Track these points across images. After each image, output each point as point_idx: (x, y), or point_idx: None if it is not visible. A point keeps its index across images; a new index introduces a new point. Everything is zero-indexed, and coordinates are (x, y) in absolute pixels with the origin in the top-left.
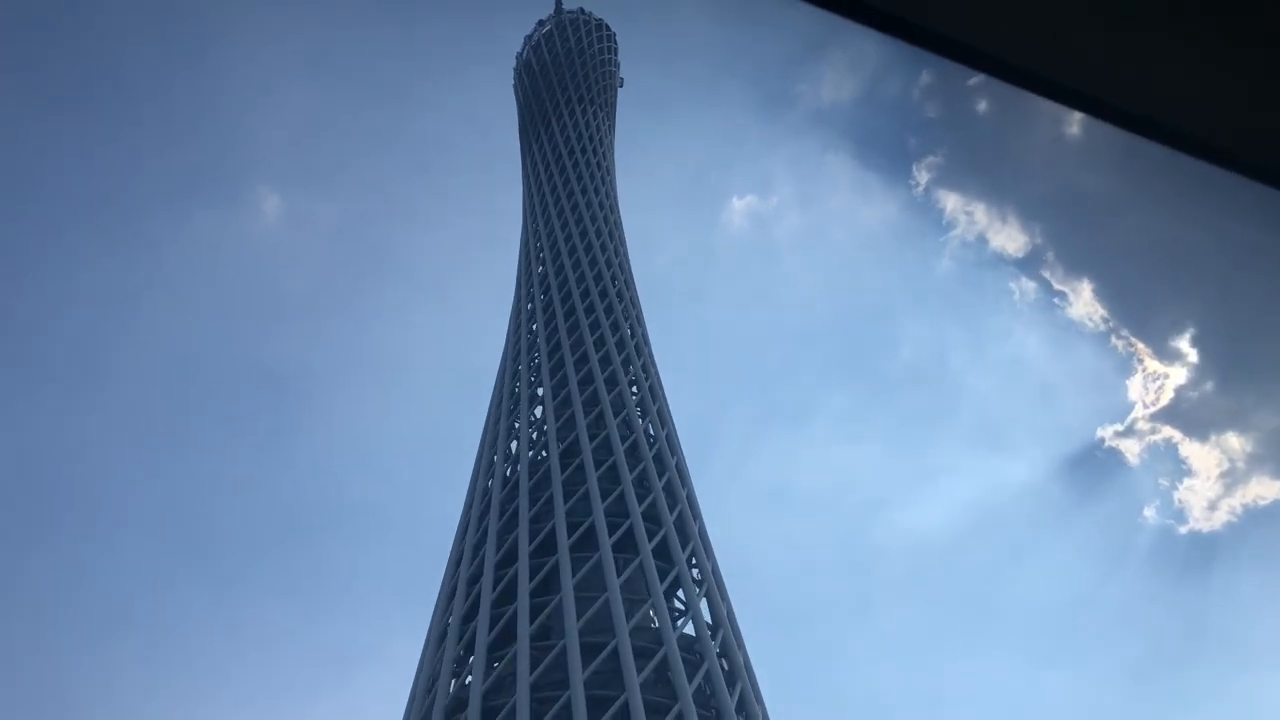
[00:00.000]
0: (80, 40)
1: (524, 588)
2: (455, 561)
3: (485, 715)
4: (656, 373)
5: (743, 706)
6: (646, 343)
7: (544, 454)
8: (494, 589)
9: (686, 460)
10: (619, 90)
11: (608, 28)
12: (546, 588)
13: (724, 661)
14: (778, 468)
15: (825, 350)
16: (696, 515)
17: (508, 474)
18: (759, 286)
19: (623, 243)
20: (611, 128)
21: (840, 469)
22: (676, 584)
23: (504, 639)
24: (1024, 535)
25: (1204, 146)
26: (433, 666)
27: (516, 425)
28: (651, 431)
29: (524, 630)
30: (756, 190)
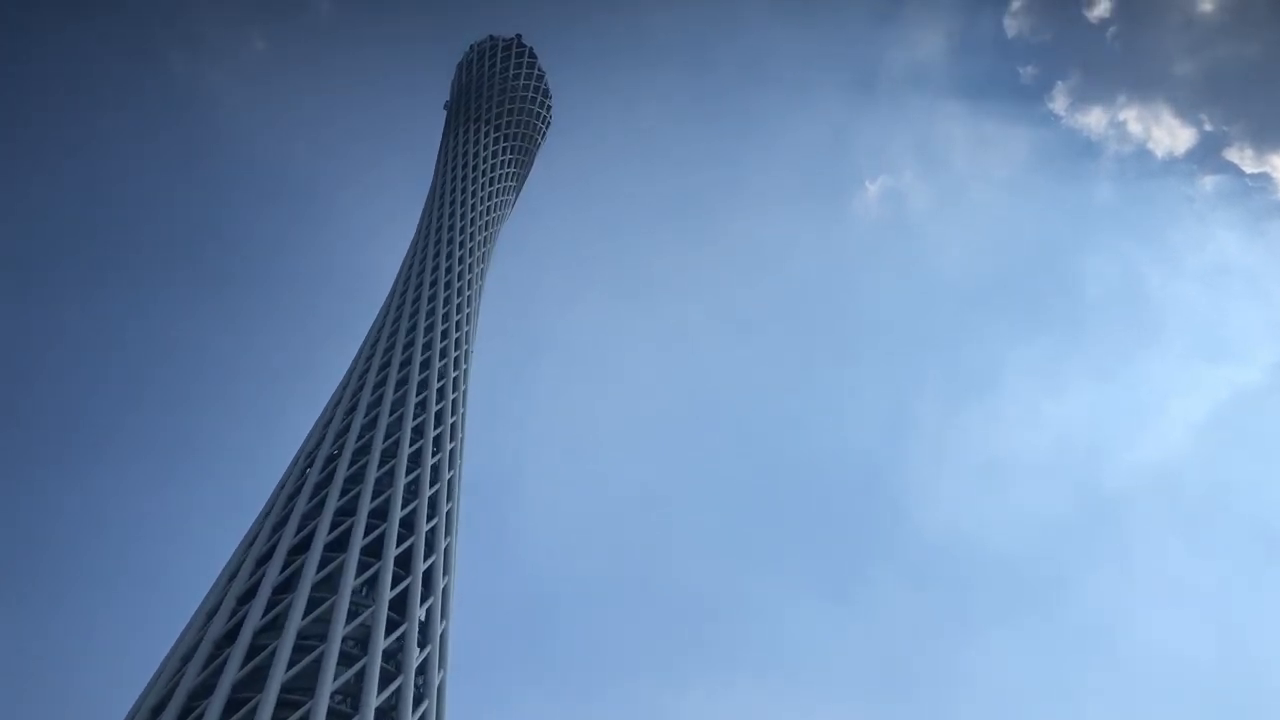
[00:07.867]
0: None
1: (320, 540)
2: (266, 511)
3: (250, 653)
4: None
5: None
6: (467, 342)
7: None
8: (294, 536)
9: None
10: (548, 106)
11: (528, 50)
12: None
13: (420, 679)
14: (983, 439)
15: (999, 310)
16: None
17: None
18: (911, 264)
19: (474, 255)
20: (502, 140)
21: (1050, 423)
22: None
23: (288, 585)
24: None
25: None
26: (217, 598)
27: (359, 401)
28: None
29: (308, 579)
30: (886, 170)
